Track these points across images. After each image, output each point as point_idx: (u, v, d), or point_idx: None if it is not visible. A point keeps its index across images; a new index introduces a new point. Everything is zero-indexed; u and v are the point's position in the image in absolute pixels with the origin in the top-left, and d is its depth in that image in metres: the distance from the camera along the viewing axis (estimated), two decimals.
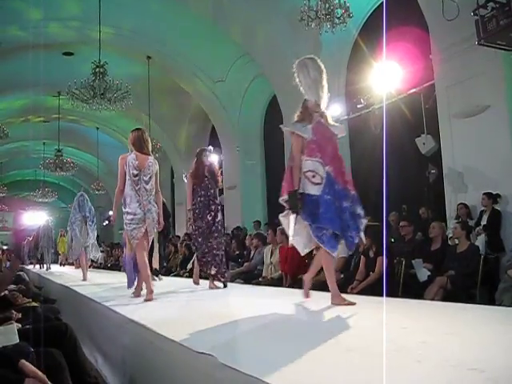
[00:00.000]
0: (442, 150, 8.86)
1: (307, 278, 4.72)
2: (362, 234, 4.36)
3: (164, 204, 7.40)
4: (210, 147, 6.84)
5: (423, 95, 9.36)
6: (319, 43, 11.60)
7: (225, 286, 6.53)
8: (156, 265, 8.43)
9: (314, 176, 4.14)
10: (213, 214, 6.47)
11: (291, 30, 11.33)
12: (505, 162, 7.77)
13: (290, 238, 4.34)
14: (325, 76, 4.48)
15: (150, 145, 5.77)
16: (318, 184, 4.12)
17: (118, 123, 21.22)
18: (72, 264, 13.70)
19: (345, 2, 8.56)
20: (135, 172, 5.50)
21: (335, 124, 4.54)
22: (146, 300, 5.23)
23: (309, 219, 4.10)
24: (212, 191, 6.56)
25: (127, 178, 5.54)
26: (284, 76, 12.70)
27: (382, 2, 10.23)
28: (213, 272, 6.36)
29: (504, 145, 7.82)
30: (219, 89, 15.44)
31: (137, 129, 5.88)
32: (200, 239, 6.42)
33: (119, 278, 8.36)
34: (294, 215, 4.19)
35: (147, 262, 5.65)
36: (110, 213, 28.98)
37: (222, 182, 7.21)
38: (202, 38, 13.77)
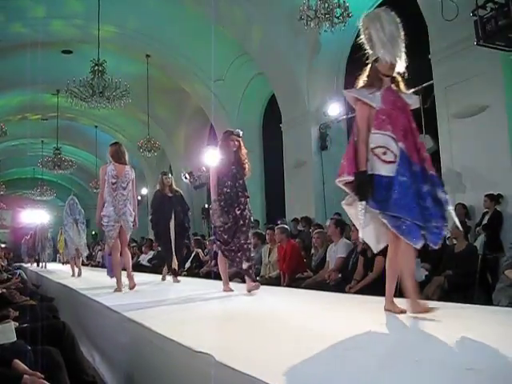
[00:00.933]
0: (440, 150, 8.87)
1: (389, 288, 3.60)
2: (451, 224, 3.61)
3: (182, 198, 8.26)
4: (238, 130, 5.80)
5: (422, 95, 9.35)
6: (318, 43, 11.62)
7: (254, 282, 5.67)
8: (175, 265, 8.01)
9: (384, 153, 3.44)
10: (241, 207, 5.61)
11: (290, 29, 11.33)
12: (503, 162, 7.78)
13: (360, 233, 3.61)
14: (402, 32, 3.77)
15: (126, 156, 6.59)
16: (390, 162, 3.41)
17: (116, 121, 21.21)
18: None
19: (344, 1, 8.56)
20: (113, 180, 6.33)
21: (408, 92, 3.92)
22: (114, 291, 6.37)
23: (379, 206, 3.39)
24: (241, 181, 5.69)
25: (106, 185, 6.36)
26: (283, 75, 12.78)
27: (381, 2, 10.23)
28: (245, 266, 5.59)
29: (502, 145, 7.83)
30: (218, 88, 15.42)
31: (114, 143, 6.87)
32: (226, 236, 5.59)
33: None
34: (363, 203, 3.46)
35: (119, 261, 6.60)
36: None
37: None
38: (201, 36, 13.74)
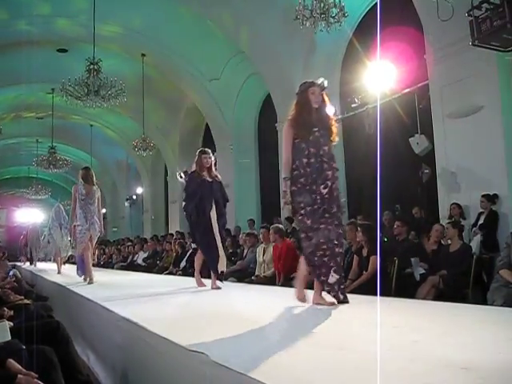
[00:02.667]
0: (435, 149, 8.88)
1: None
2: None
3: (222, 185, 6.67)
4: (322, 80, 4.38)
5: (417, 95, 9.38)
6: (314, 42, 11.62)
7: (343, 301, 4.21)
8: (223, 267, 6.39)
9: None
10: (329, 184, 4.23)
11: (286, 28, 11.32)
12: (498, 162, 7.81)
13: None
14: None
15: (94, 178, 7.97)
16: None
17: (111, 120, 21.16)
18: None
19: (340, 1, 8.55)
20: (83, 197, 7.77)
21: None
22: (88, 283, 7.57)
23: None
24: (326, 149, 4.32)
25: (78, 201, 7.79)
26: (278, 75, 12.78)
27: (377, 2, 10.24)
28: (332, 280, 4.14)
29: (497, 145, 7.85)
30: (213, 87, 15.41)
31: (85, 167, 8.27)
32: (309, 221, 4.19)
33: (111, 276, 8.34)
34: None
35: (90, 259, 7.94)
36: (103, 210, 29.12)
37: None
38: (196, 36, 13.75)
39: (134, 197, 25.23)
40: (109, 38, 14.14)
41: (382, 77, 9.13)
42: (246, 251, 9.79)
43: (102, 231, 8.28)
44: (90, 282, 7.63)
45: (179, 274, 10.62)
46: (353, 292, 5.85)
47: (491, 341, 2.67)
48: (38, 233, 16.71)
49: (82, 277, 8.22)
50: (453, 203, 8.17)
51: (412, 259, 6.80)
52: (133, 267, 14.07)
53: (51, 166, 20.44)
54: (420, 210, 9.14)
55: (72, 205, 7.98)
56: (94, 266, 14.63)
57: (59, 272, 11.26)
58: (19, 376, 2.54)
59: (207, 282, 6.47)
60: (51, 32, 14.07)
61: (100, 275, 10.27)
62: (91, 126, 21.99)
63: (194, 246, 9.67)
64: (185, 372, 2.63)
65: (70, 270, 11.95)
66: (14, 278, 7.91)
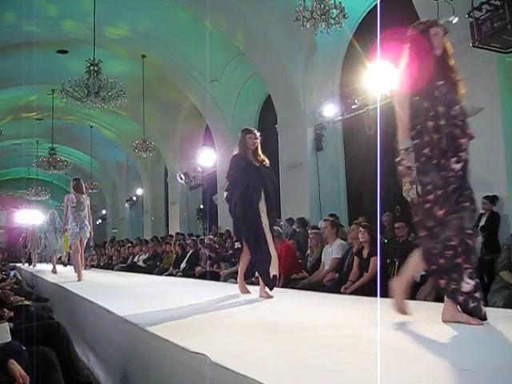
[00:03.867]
0: None
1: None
2: None
3: (271, 171, 5.53)
4: (452, 17, 3.31)
5: None
6: (314, 44, 11.62)
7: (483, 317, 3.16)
8: (275, 270, 5.20)
9: None
10: (462, 156, 3.21)
11: (286, 30, 11.33)
12: (498, 163, 7.81)
13: None
14: None
15: (83, 187, 9.18)
16: None
17: (112, 122, 21.16)
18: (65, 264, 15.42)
19: (340, 2, 8.56)
20: (74, 205, 8.87)
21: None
22: (78, 281, 8.44)
23: None
24: (457, 109, 3.34)
25: (70, 208, 8.87)
26: (279, 76, 12.78)
27: (377, 3, 10.25)
28: (467, 288, 3.07)
29: (497, 146, 7.85)
30: (214, 88, 15.41)
31: (75, 179, 9.43)
32: (441, 212, 3.15)
33: (112, 277, 8.33)
34: None
35: (79, 260, 8.91)
36: (104, 212, 29.27)
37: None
38: (196, 37, 13.74)
39: (134, 198, 25.23)
40: (109, 39, 14.15)
41: (382, 78, 9.13)
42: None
43: (92, 234, 9.38)
44: (79, 280, 8.56)
45: (179, 276, 10.60)
46: (353, 293, 5.86)
47: (492, 342, 2.67)
48: (38, 235, 17.07)
49: (59, 266, 9.81)
50: None
51: None
52: (133, 268, 14.04)
53: (51, 168, 20.44)
54: None
55: (64, 211, 9.17)
56: (94, 267, 15.38)
57: (55, 272, 11.85)
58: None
59: (253, 288, 5.57)
60: (51, 33, 14.05)
61: (101, 276, 10.29)
62: (91, 127, 21.99)
63: (237, 245, 8.52)
64: (185, 373, 2.63)
65: (64, 270, 12.68)
66: (14, 279, 7.94)
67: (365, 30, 11.00)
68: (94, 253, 14.46)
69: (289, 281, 7.63)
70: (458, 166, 3.14)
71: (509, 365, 2.22)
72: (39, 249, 16.42)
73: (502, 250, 6.25)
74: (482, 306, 3.12)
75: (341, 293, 6.16)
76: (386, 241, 8.24)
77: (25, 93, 17.55)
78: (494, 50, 7.35)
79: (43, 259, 16.53)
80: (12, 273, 11.10)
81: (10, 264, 18.25)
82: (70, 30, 14.01)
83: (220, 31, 13.15)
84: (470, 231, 3.11)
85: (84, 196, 9.12)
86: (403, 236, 7.62)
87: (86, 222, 8.96)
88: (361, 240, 6.56)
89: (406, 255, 6.90)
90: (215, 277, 9.36)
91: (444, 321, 3.15)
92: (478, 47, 7.29)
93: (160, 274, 11.86)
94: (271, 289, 5.16)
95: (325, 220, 8.02)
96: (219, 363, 2.27)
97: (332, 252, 7.28)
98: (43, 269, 14.15)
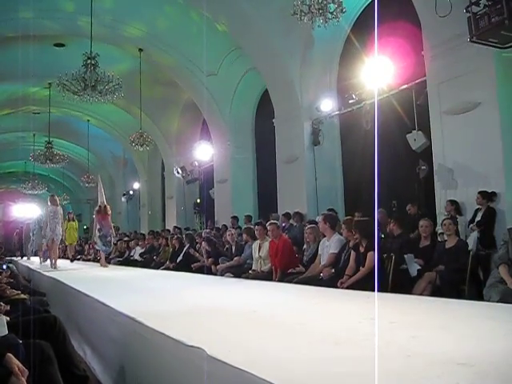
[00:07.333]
0: (432, 146, 8.89)
1: None
2: None
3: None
4: None
5: (415, 91, 9.38)
6: (311, 38, 11.61)
7: None
8: None
9: None
10: None
11: (284, 24, 11.29)
12: (495, 158, 7.81)
13: None
14: None
15: (57, 201, 12.05)
16: None
17: (108, 115, 21.10)
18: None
19: None
20: (51, 215, 11.58)
21: None
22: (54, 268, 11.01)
23: None
24: None
25: (47, 216, 11.72)
26: (276, 70, 12.76)
27: None
28: None
29: (494, 142, 7.85)
30: (211, 82, 15.38)
31: (51, 195, 12.53)
32: None
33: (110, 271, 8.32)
34: None
35: (53, 253, 11.70)
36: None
37: None
38: (194, 31, 13.71)
39: (131, 192, 25.20)
40: (106, 32, 14.08)
41: (379, 73, 9.12)
42: (234, 247, 9.88)
43: (64, 236, 13.35)
44: (55, 267, 11.24)
45: (176, 269, 10.59)
46: (350, 288, 5.87)
47: (488, 336, 2.68)
48: (30, 230, 17.85)
49: (48, 261, 12.63)
50: (448, 199, 8.20)
51: (406, 256, 6.81)
52: (129, 262, 14.04)
53: (48, 161, 20.35)
54: (414, 206, 9.13)
55: (44, 219, 12.50)
56: (90, 261, 17.09)
57: (41, 262, 14.37)
58: (12, 378, 2.53)
59: None
60: (48, 27, 13.99)
61: (97, 270, 10.29)
62: (88, 120, 21.94)
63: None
64: (182, 367, 2.63)
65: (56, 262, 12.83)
66: (9, 273, 7.90)
67: (362, 25, 10.99)
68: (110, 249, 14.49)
69: (285, 275, 7.64)
70: None
71: (505, 359, 2.23)
72: (30, 243, 17.87)
73: (499, 245, 6.28)
74: None
75: (337, 287, 6.16)
76: (382, 236, 8.25)
77: (21, 86, 17.49)
78: (491, 46, 7.34)
79: (35, 252, 17.81)
80: (5, 266, 11.00)
81: (7, 258, 18.27)
82: (66, 23, 13.96)
83: (217, 25, 13.12)
84: None
85: (58, 207, 11.99)
86: (399, 231, 7.63)
87: (59, 227, 11.82)
88: (354, 237, 6.57)
89: (402, 250, 6.97)
90: (212, 271, 9.38)
91: None
92: (475, 42, 7.27)
93: (156, 267, 11.86)
94: None
95: (322, 215, 8.04)
96: (215, 357, 2.28)
97: (330, 246, 7.28)
98: (35, 261, 16.03)
